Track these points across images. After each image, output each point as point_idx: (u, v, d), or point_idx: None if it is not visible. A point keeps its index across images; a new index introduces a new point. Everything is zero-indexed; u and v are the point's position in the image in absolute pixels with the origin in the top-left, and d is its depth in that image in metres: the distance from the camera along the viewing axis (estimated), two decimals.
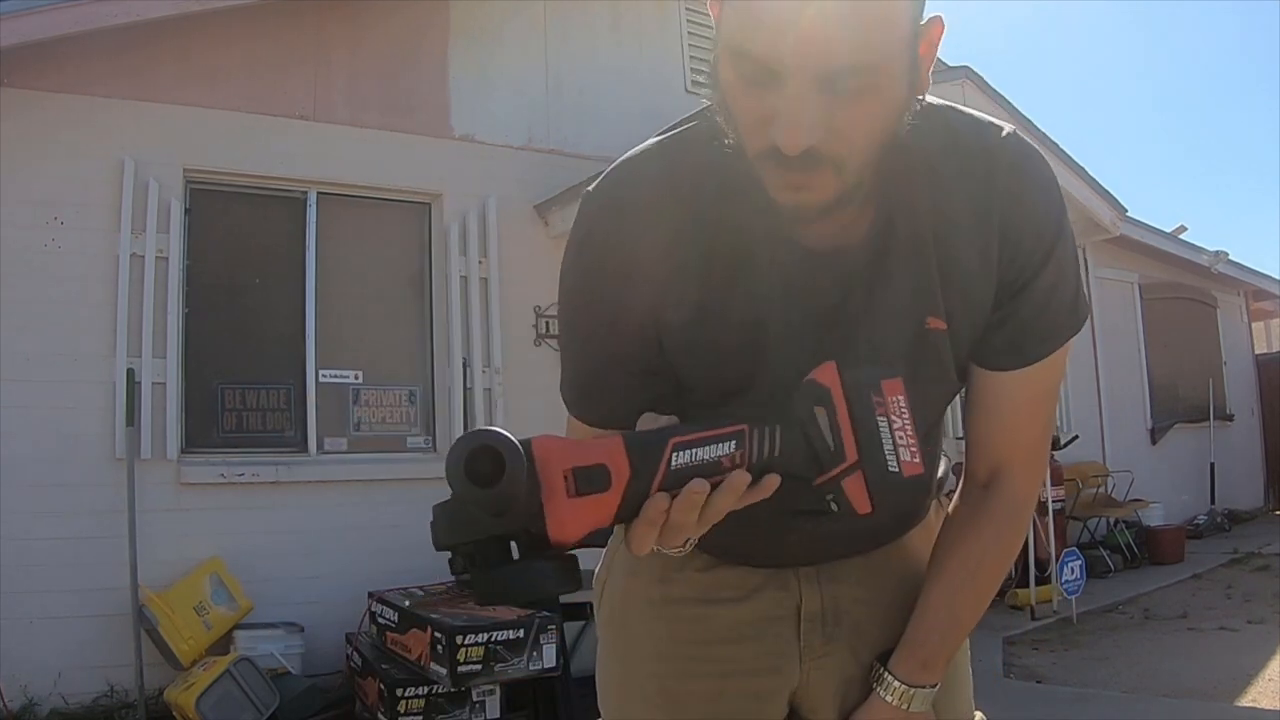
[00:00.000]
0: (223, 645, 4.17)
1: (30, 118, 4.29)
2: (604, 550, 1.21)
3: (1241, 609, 5.50)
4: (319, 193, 4.99)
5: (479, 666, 3.36)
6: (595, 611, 1.23)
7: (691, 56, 6.17)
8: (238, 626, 4.20)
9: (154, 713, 3.97)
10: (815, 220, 0.86)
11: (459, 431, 5.05)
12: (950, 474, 1.22)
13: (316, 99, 4.98)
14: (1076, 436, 7.10)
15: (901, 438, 0.80)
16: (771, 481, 0.80)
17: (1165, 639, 4.98)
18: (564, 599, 3.68)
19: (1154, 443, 8.91)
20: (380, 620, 4.04)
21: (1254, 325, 11.81)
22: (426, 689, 3.49)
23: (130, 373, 4.30)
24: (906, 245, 0.93)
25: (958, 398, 1.07)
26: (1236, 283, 10.52)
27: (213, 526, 4.43)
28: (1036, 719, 3.76)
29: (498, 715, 3.58)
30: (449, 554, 0.76)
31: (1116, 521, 7.43)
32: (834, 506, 0.82)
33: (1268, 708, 3.73)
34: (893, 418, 0.80)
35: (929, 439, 1.08)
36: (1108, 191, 6.97)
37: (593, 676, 1.23)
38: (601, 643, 1.21)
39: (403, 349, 5.28)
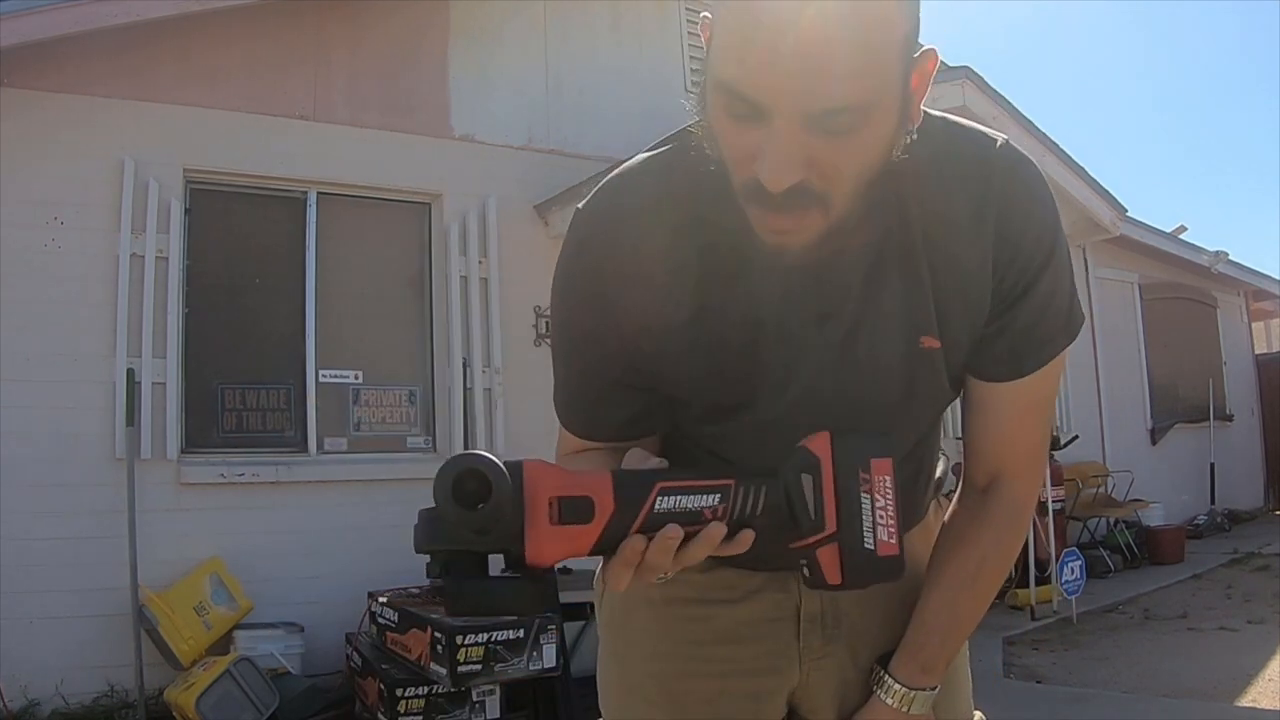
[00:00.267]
0: (223, 645, 4.17)
1: (30, 118, 4.29)
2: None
3: (1241, 609, 5.50)
4: (319, 193, 5.00)
5: (479, 666, 3.36)
6: (595, 612, 1.23)
7: (691, 56, 6.17)
8: (238, 626, 4.21)
9: (154, 713, 3.97)
10: (801, 255, 0.85)
11: (459, 431, 5.06)
12: (950, 474, 1.22)
13: (316, 99, 4.98)
14: (1076, 437, 7.10)
15: (882, 517, 0.82)
16: (746, 537, 0.81)
17: (1165, 639, 4.98)
18: (564, 599, 3.68)
19: (1154, 443, 8.91)
20: (380, 620, 4.04)
21: (1254, 325, 11.81)
22: (426, 689, 3.49)
23: (130, 373, 4.30)
24: (899, 263, 0.92)
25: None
26: (1236, 283, 10.52)
27: (213, 526, 4.43)
28: (1036, 719, 3.76)
29: (498, 715, 3.58)
30: (428, 557, 0.78)
31: (1116, 521, 7.43)
32: (806, 572, 0.85)
33: (1268, 708, 3.73)
34: (876, 496, 0.82)
35: (924, 442, 1.08)
36: (1108, 191, 6.96)
37: (593, 676, 1.23)
38: (602, 643, 1.21)
39: (403, 349, 5.28)
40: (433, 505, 0.75)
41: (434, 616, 3.55)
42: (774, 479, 0.83)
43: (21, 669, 3.94)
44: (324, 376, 4.93)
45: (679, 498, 0.79)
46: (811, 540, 0.82)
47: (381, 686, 3.57)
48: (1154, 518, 7.76)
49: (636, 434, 1.02)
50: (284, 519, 4.60)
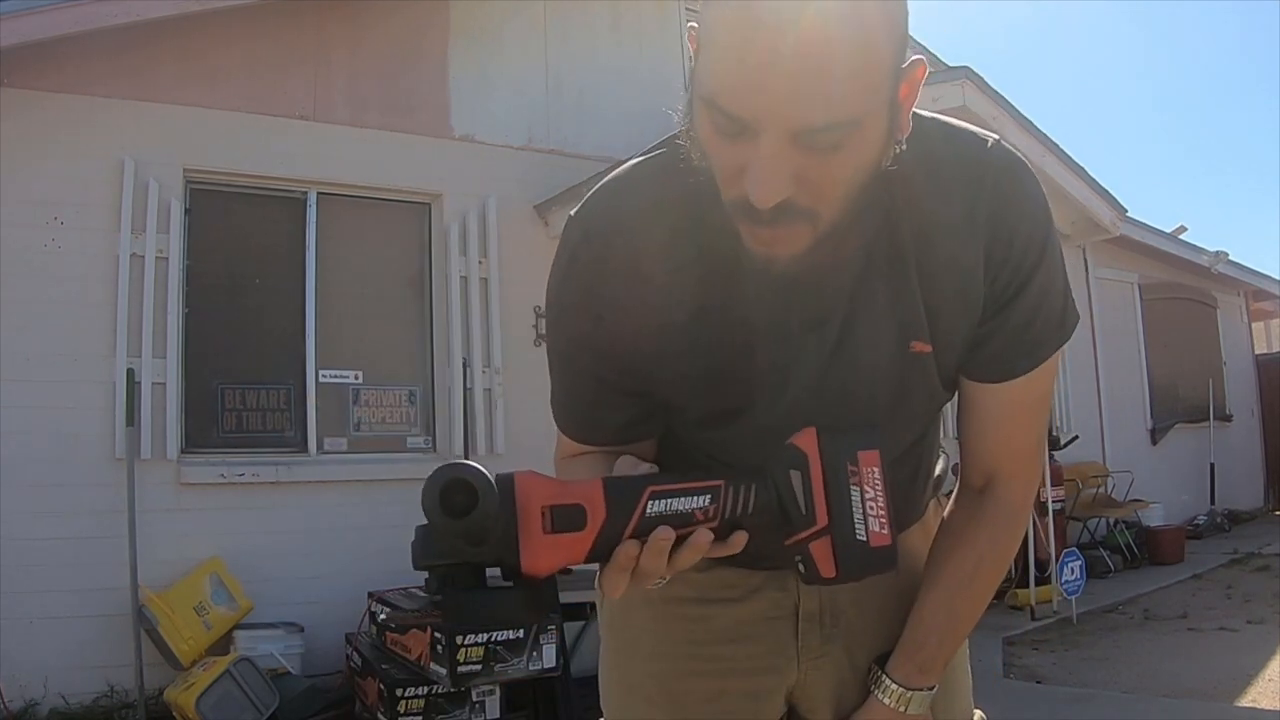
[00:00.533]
0: (223, 645, 4.17)
1: (30, 118, 4.29)
2: None
3: (1241, 609, 5.50)
4: (319, 193, 5.00)
5: (479, 666, 3.36)
6: (596, 611, 1.23)
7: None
8: (238, 626, 4.21)
9: (154, 713, 3.97)
10: (790, 264, 0.85)
11: (459, 431, 5.06)
12: (949, 473, 1.22)
13: (316, 99, 4.98)
14: (1076, 437, 7.10)
15: (873, 508, 0.83)
16: (740, 538, 0.82)
17: (1165, 639, 4.98)
18: (564, 599, 3.68)
19: (1154, 443, 8.92)
20: (380, 620, 4.04)
21: (1254, 325, 11.80)
22: (426, 689, 3.49)
23: (130, 373, 4.30)
24: (889, 267, 0.92)
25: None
26: (1236, 283, 10.52)
27: (213, 526, 4.43)
28: (1036, 719, 3.76)
29: (498, 715, 3.58)
30: (426, 574, 0.79)
31: (1116, 522, 7.43)
32: (801, 568, 0.85)
33: (1268, 708, 3.73)
34: (866, 488, 0.83)
35: (922, 441, 1.08)
36: (1108, 191, 6.96)
37: (593, 676, 1.23)
38: (602, 642, 1.21)
39: (403, 349, 5.28)
40: (426, 523, 0.77)
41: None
42: (763, 477, 0.84)
43: (21, 669, 3.94)
44: (324, 376, 4.93)
45: (669, 501, 0.80)
46: (804, 535, 0.83)
47: (381, 686, 3.57)
48: (1154, 518, 7.76)
49: (634, 438, 1.02)
50: (284, 519, 4.60)
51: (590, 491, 0.79)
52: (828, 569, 0.83)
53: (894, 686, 1.04)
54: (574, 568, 0.80)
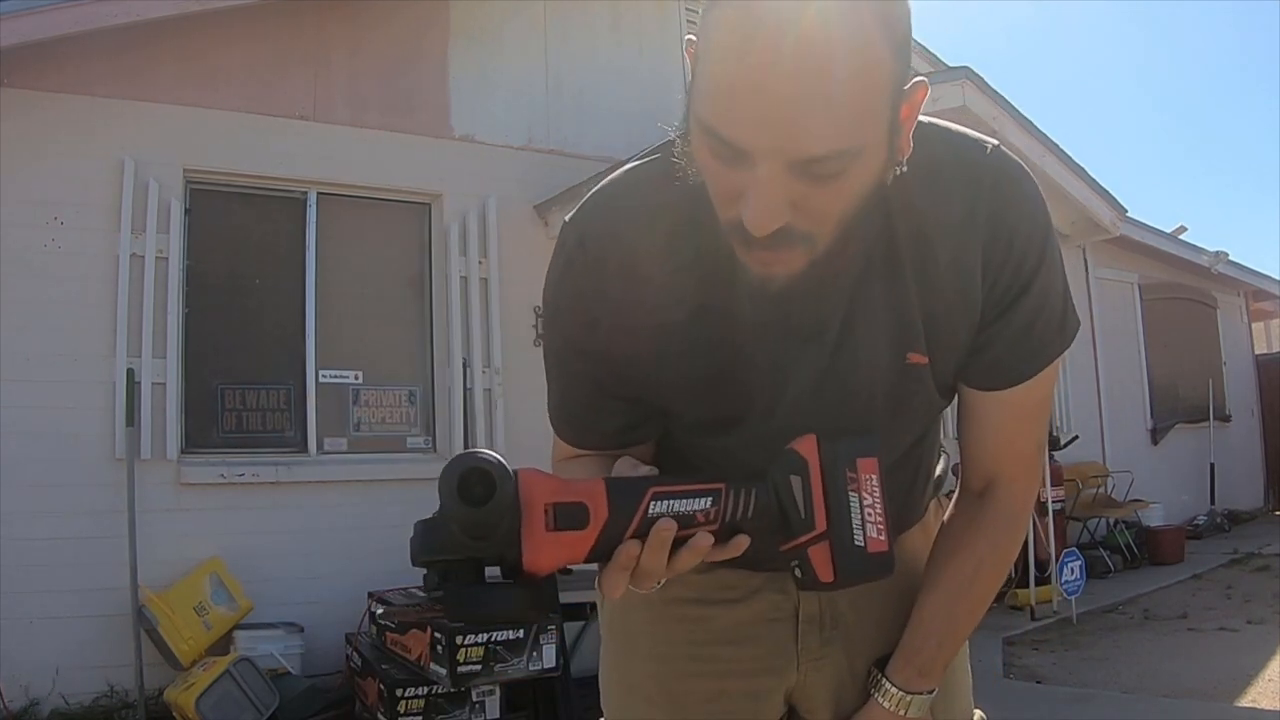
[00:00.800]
0: (223, 645, 4.17)
1: (30, 118, 4.29)
2: None
3: (1241, 609, 5.50)
4: (319, 193, 5.00)
5: (479, 667, 3.36)
6: (596, 612, 1.23)
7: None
8: (238, 627, 4.21)
9: (154, 713, 3.97)
10: (786, 284, 0.84)
11: (459, 432, 5.06)
12: (949, 473, 1.21)
13: (316, 99, 4.98)
14: (1076, 437, 7.10)
15: (871, 515, 0.84)
16: (740, 542, 0.82)
17: (1165, 639, 4.98)
18: (564, 599, 3.68)
19: (1155, 443, 8.92)
20: (380, 620, 4.04)
21: (1254, 325, 11.80)
22: (426, 689, 3.49)
23: (130, 373, 4.30)
24: (885, 279, 0.92)
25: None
26: (1236, 283, 10.52)
27: (213, 526, 4.43)
28: (1036, 719, 3.76)
29: (497, 715, 3.58)
30: (424, 570, 0.78)
31: (1116, 522, 7.43)
32: (798, 573, 0.86)
33: (1268, 708, 3.73)
34: (864, 495, 0.84)
35: (921, 443, 1.08)
36: (1108, 191, 6.95)
37: (593, 676, 1.24)
38: (603, 643, 1.21)
39: (403, 349, 5.28)
40: (428, 517, 0.77)
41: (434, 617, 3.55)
42: (763, 481, 0.84)
43: (21, 669, 3.94)
44: (324, 376, 4.93)
45: (671, 502, 0.80)
46: (803, 540, 0.84)
47: (381, 687, 3.57)
48: (1154, 518, 7.76)
49: (630, 441, 1.02)
50: (284, 519, 4.60)
51: (593, 490, 0.79)
52: (825, 574, 0.84)
53: (893, 689, 1.04)
54: (574, 567, 0.80)
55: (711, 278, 0.91)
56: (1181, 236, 9.78)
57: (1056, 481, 6.21)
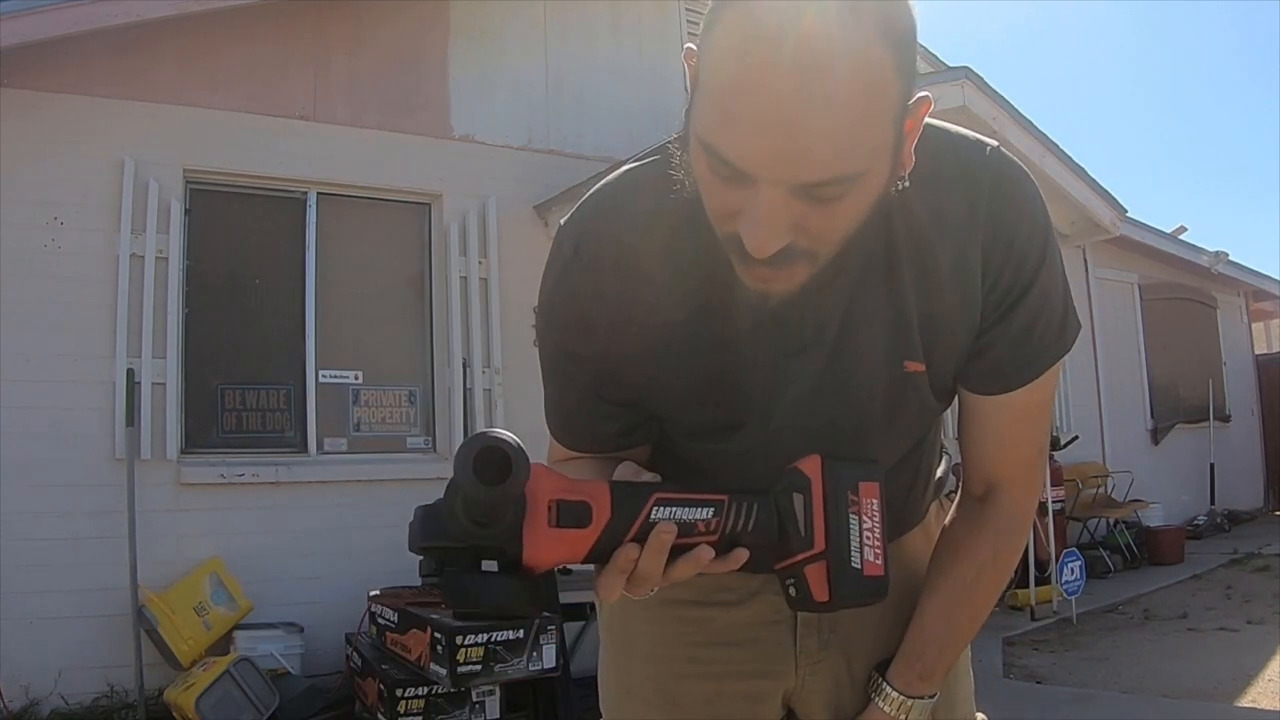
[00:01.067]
0: (222, 645, 4.17)
1: (30, 118, 4.29)
2: None
3: (1241, 609, 5.50)
4: (319, 193, 5.00)
5: (479, 667, 3.36)
6: (596, 612, 1.23)
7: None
8: (237, 627, 4.21)
9: (154, 713, 3.97)
10: (784, 298, 0.83)
11: (459, 432, 5.06)
12: (950, 474, 1.21)
13: (316, 99, 4.98)
14: (1076, 437, 7.10)
15: (869, 538, 0.84)
16: (739, 555, 0.83)
17: (1165, 639, 4.98)
18: (564, 599, 3.68)
19: (1155, 443, 8.92)
20: (380, 620, 4.04)
21: (1254, 325, 11.80)
22: (426, 689, 3.49)
23: (130, 373, 4.30)
24: (882, 286, 0.91)
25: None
26: (1236, 283, 10.52)
27: (213, 526, 4.43)
28: (1036, 719, 3.76)
29: (497, 715, 3.58)
30: (421, 558, 0.78)
31: (1116, 522, 7.43)
32: (793, 591, 0.87)
33: (1268, 708, 3.73)
34: (864, 518, 0.85)
35: (921, 446, 1.08)
36: (1108, 191, 6.96)
37: (593, 677, 1.23)
38: (601, 644, 1.21)
39: (403, 349, 5.28)
40: (429, 503, 0.76)
41: (434, 616, 3.55)
42: (766, 497, 0.85)
43: (21, 669, 3.94)
44: (324, 377, 4.93)
45: (674, 509, 0.81)
46: (801, 557, 0.84)
47: (381, 687, 3.57)
48: (1154, 518, 7.76)
49: (626, 445, 1.02)
50: (284, 519, 4.60)
51: (597, 491, 0.80)
52: (821, 593, 0.84)
53: (894, 694, 1.04)
54: (574, 568, 0.80)
55: (710, 280, 0.90)
56: (1181, 236, 9.78)
57: (1056, 482, 6.21)
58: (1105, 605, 5.81)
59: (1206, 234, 29.49)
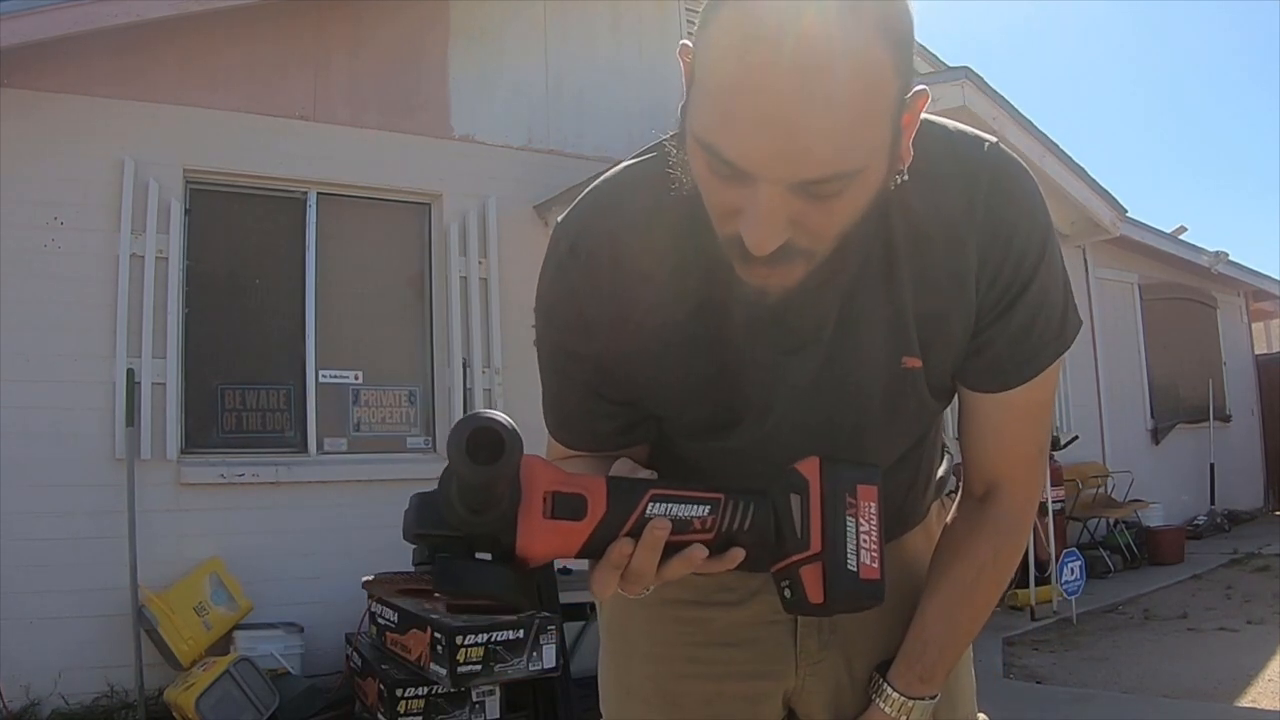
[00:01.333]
0: (222, 645, 4.17)
1: (30, 118, 4.29)
2: None
3: (1241, 609, 5.50)
4: (319, 193, 5.00)
5: (479, 667, 3.36)
6: (596, 612, 1.23)
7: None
8: (237, 627, 4.21)
9: (154, 713, 3.97)
10: (782, 296, 0.83)
11: None
12: (951, 474, 1.21)
13: (316, 99, 4.98)
14: (1076, 437, 7.10)
15: (865, 541, 0.84)
16: (735, 555, 0.82)
17: (1165, 639, 4.98)
18: (564, 599, 3.68)
19: (1155, 443, 8.91)
20: (380, 620, 4.04)
21: (1254, 325, 11.80)
22: (426, 689, 3.48)
23: (130, 373, 4.30)
24: (880, 283, 0.91)
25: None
26: (1236, 283, 10.51)
27: (213, 526, 4.43)
28: (1036, 719, 3.76)
29: (497, 715, 3.58)
30: (414, 546, 0.78)
31: (1116, 522, 7.42)
32: (788, 593, 0.86)
33: (1268, 708, 3.73)
34: (861, 521, 0.84)
35: (921, 444, 1.08)
36: (1108, 191, 6.96)
37: (593, 677, 1.23)
38: (601, 644, 1.21)
39: (403, 349, 5.28)
40: (424, 491, 0.76)
41: (434, 617, 3.55)
42: (763, 496, 0.84)
43: (21, 669, 3.94)
44: (324, 377, 4.93)
45: (670, 505, 0.80)
46: (797, 558, 0.83)
47: (381, 687, 3.57)
48: (1154, 518, 7.76)
49: (624, 444, 1.02)
50: (284, 519, 4.60)
51: (593, 485, 0.79)
52: (816, 595, 0.83)
53: (895, 695, 1.04)
54: (574, 568, 0.80)
55: (708, 278, 0.90)
56: (1181, 236, 9.78)
57: (1056, 481, 6.21)
58: (1105, 605, 5.81)
59: (1206, 234, 29.51)
